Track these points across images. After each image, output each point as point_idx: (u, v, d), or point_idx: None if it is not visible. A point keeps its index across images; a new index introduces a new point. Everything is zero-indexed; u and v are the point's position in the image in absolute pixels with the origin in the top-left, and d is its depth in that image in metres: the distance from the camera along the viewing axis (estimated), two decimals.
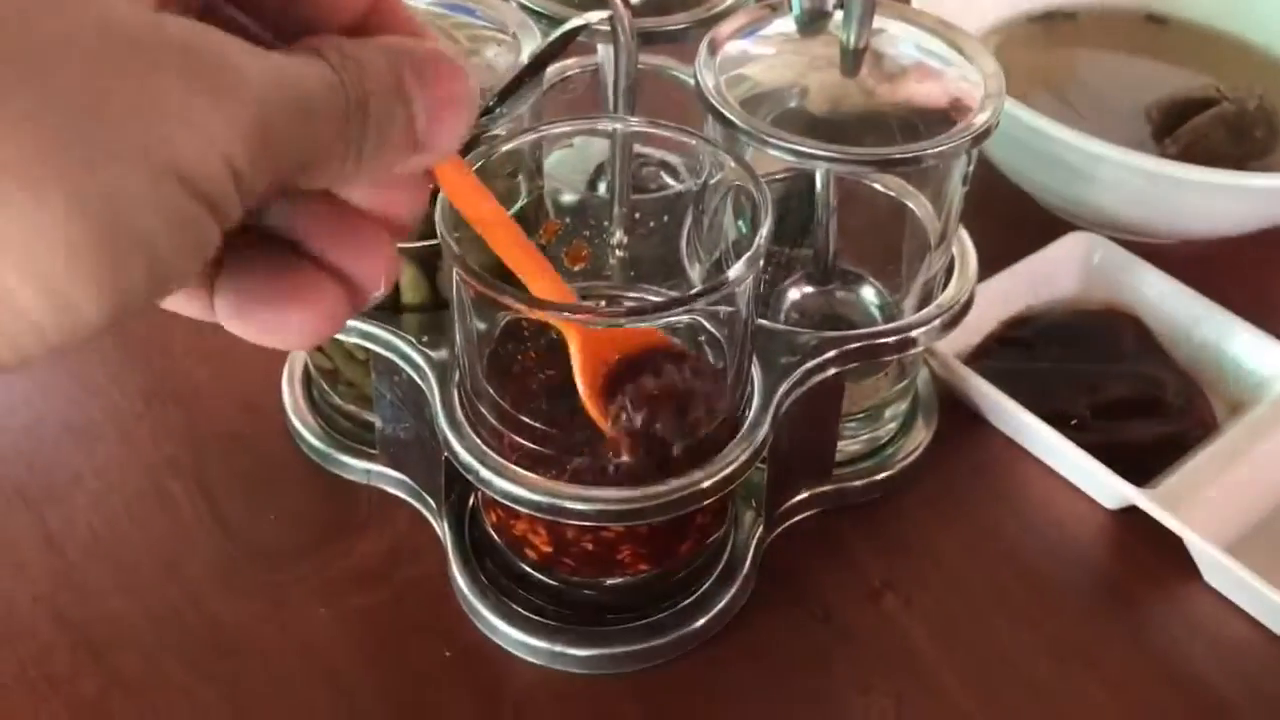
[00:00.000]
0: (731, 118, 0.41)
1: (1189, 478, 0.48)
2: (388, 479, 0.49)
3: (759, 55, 0.45)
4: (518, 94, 0.42)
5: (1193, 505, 0.47)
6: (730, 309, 0.39)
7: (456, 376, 0.42)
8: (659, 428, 0.38)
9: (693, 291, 0.36)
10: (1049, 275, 0.58)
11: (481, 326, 0.40)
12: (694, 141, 0.42)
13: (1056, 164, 0.58)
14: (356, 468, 0.50)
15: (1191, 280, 0.57)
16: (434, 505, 0.48)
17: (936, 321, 0.46)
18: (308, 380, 0.52)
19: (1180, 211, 0.59)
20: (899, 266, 0.48)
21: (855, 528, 0.50)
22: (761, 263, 0.38)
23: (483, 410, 0.40)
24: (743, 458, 0.41)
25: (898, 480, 0.51)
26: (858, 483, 0.50)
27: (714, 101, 0.42)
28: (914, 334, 0.46)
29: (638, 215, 0.48)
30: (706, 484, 0.40)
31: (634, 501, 0.39)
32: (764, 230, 0.38)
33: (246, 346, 0.54)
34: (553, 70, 0.53)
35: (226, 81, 0.22)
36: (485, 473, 0.40)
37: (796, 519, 0.49)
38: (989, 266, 0.57)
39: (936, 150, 0.41)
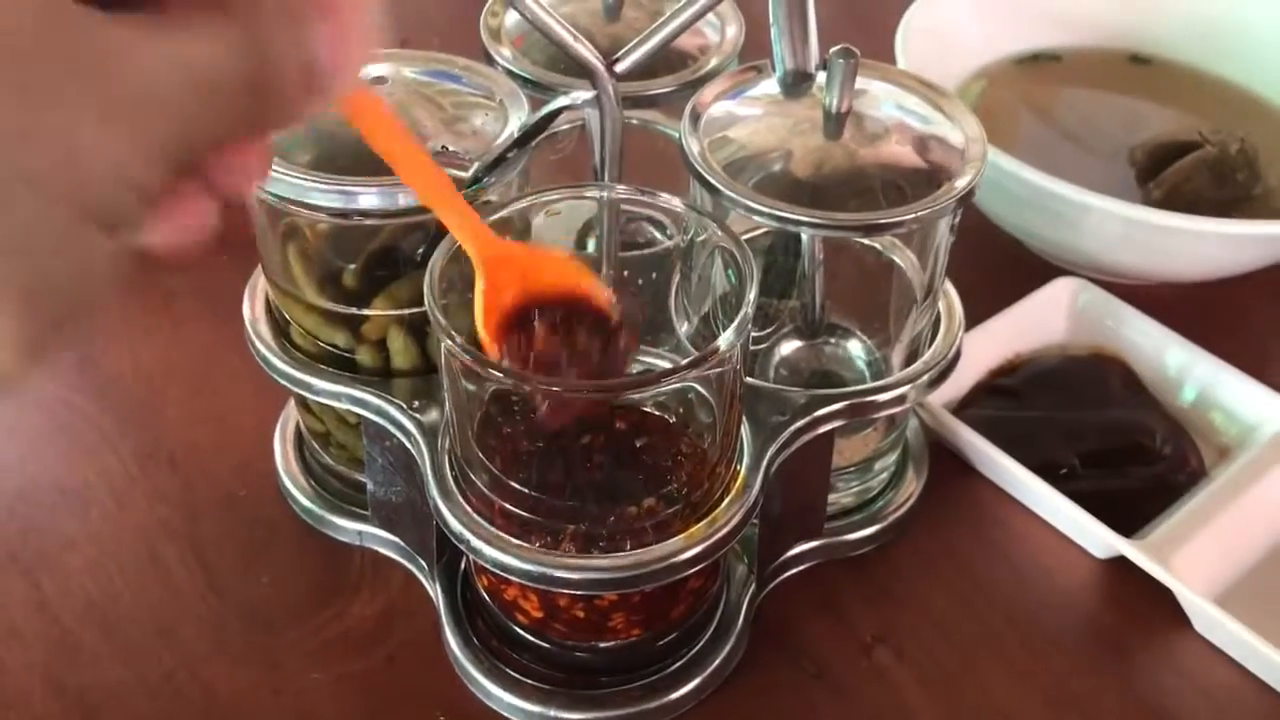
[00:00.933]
0: (716, 184, 0.42)
1: (1178, 527, 0.49)
2: (380, 540, 0.49)
3: (743, 118, 0.45)
4: (505, 163, 0.42)
5: (1182, 555, 0.48)
6: (720, 370, 0.40)
7: (447, 443, 0.42)
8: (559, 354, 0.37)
9: (682, 363, 0.37)
10: (1036, 322, 0.59)
11: (471, 392, 0.40)
12: (680, 209, 0.42)
13: (1042, 212, 0.59)
14: (349, 529, 0.50)
15: (1179, 324, 0.58)
16: (426, 566, 0.48)
17: (924, 378, 0.46)
18: (300, 442, 0.52)
19: (1166, 256, 0.59)
20: (886, 321, 0.49)
21: (847, 580, 0.50)
22: (750, 327, 0.39)
23: (473, 477, 0.41)
24: (734, 520, 0.41)
25: (889, 532, 0.51)
26: (849, 536, 0.50)
27: (699, 168, 0.42)
28: (902, 390, 0.46)
29: (625, 273, 0.49)
30: (698, 549, 0.40)
31: (625, 570, 0.39)
32: (750, 297, 0.38)
33: (241, 409, 0.55)
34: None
35: (121, 92, 0.21)
36: (476, 542, 0.40)
37: (789, 573, 0.50)
38: (978, 312, 0.57)
39: (917, 215, 0.41)
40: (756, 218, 0.42)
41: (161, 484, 0.53)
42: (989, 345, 0.57)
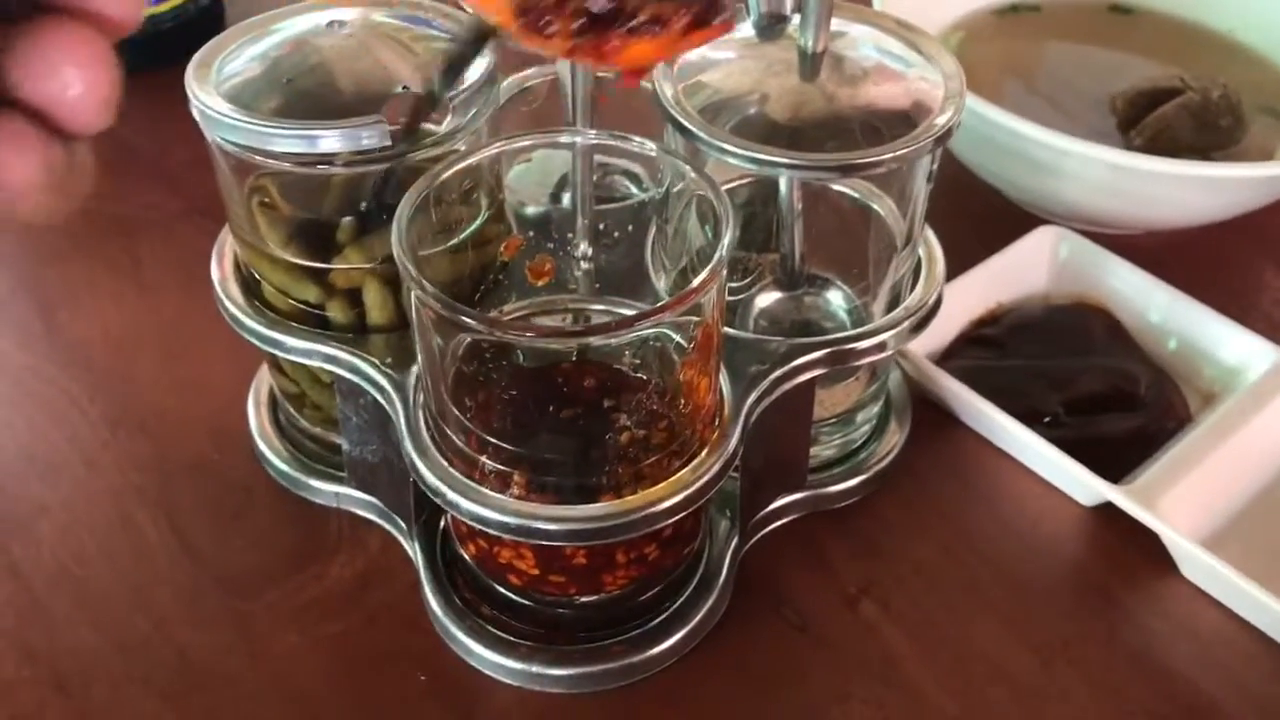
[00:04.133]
0: (690, 127, 0.41)
1: (1164, 472, 0.48)
2: (357, 501, 0.49)
3: (717, 62, 0.44)
4: (464, 99, 0.41)
5: (1168, 499, 0.47)
6: (696, 319, 0.39)
7: (421, 398, 0.41)
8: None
9: (654, 306, 0.36)
10: (1018, 271, 0.58)
11: (443, 346, 0.39)
12: (654, 153, 0.41)
13: (1023, 159, 0.58)
14: (325, 491, 0.49)
15: (1162, 271, 0.57)
16: (405, 527, 0.47)
17: (905, 324, 0.46)
18: (274, 404, 0.52)
19: (1148, 203, 0.59)
20: (866, 270, 0.48)
21: (831, 533, 0.49)
22: (725, 272, 0.38)
23: (449, 431, 0.40)
24: (714, 469, 0.40)
25: (873, 484, 0.50)
26: (833, 488, 0.50)
27: (672, 111, 0.42)
28: (883, 338, 0.45)
29: (602, 226, 0.48)
30: (677, 499, 0.39)
31: (604, 520, 0.39)
32: (725, 241, 0.37)
33: (212, 373, 0.54)
34: (511, 81, 0.52)
35: None
36: (452, 496, 0.39)
37: (772, 526, 0.49)
38: (960, 264, 0.57)
39: (897, 154, 0.41)
40: (731, 160, 0.41)
41: (133, 449, 0.52)
42: (971, 295, 0.57)
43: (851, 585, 0.48)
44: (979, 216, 0.64)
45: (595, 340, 0.38)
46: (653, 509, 0.39)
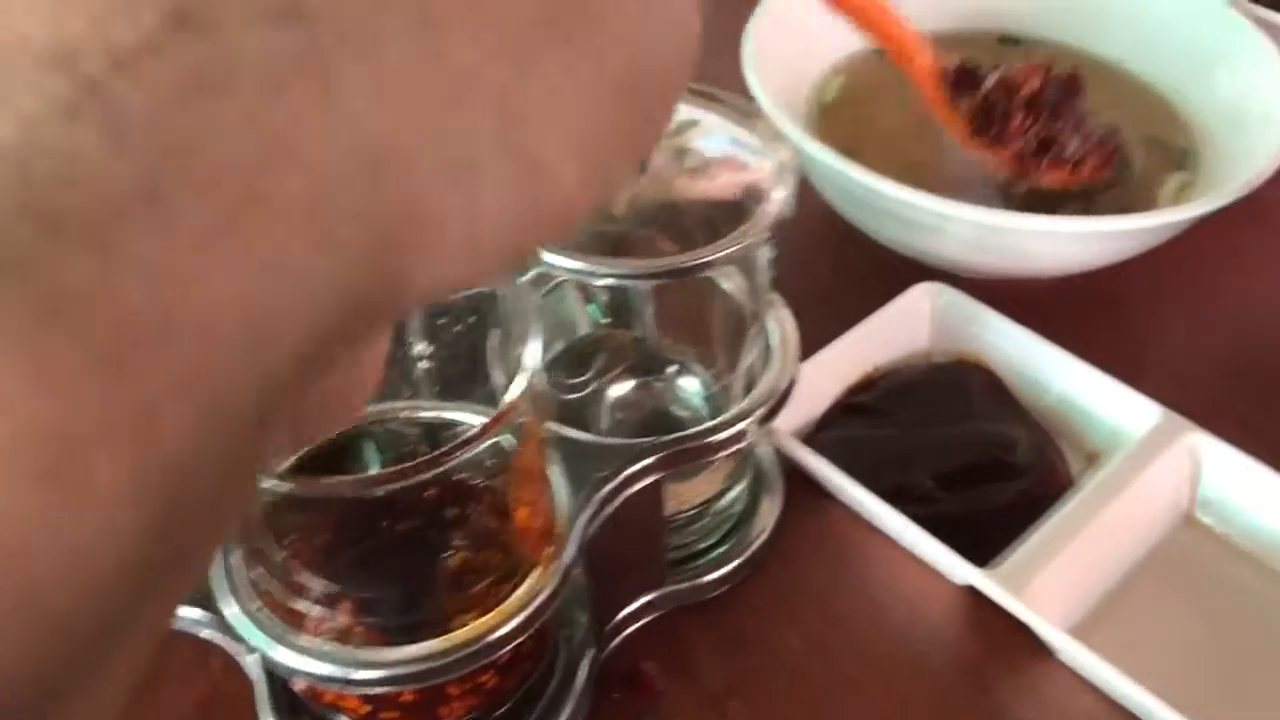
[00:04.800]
0: None
1: (1033, 552, 0.46)
2: (198, 624, 0.46)
3: None
4: None
5: (1038, 582, 0.46)
6: (513, 440, 0.37)
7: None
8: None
9: (445, 448, 0.34)
10: (898, 330, 0.56)
11: None
12: None
13: (901, 221, 0.56)
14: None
15: (1051, 320, 0.55)
16: (244, 651, 0.45)
17: (756, 414, 0.44)
18: None
19: (1029, 257, 0.57)
20: (720, 351, 0.46)
21: (698, 628, 0.47)
22: (532, 398, 0.36)
23: (260, 573, 0.38)
24: (547, 591, 0.38)
25: (743, 570, 0.49)
26: (699, 580, 0.48)
27: None
28: (734, 430, 0.43)
29: (441, 321, 0.46)
30: (508, 627, 0.37)
31: (431, 659, 0.37)
32: (531, 355, 0.35)
33: None
34: None
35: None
36: (264, 646, 0.37)
37: (634, 627, 0.47)
38: (847, 321, 0.55)
39: (726, 254, 0.39)
40: (551, 268, 0.39)
41: None
42: (848, 359, 0.55)
43: (718, 685, 0.46)
44: (864, 270, 0.62)
45: (378, 490, 0.35)
46: (483, 642, 0.37)
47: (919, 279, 0.58)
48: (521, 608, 0.38)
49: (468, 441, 0.34)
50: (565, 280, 0.47)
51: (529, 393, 0.35)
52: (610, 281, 0.40)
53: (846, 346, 0.55)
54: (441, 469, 0.34)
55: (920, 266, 0.60)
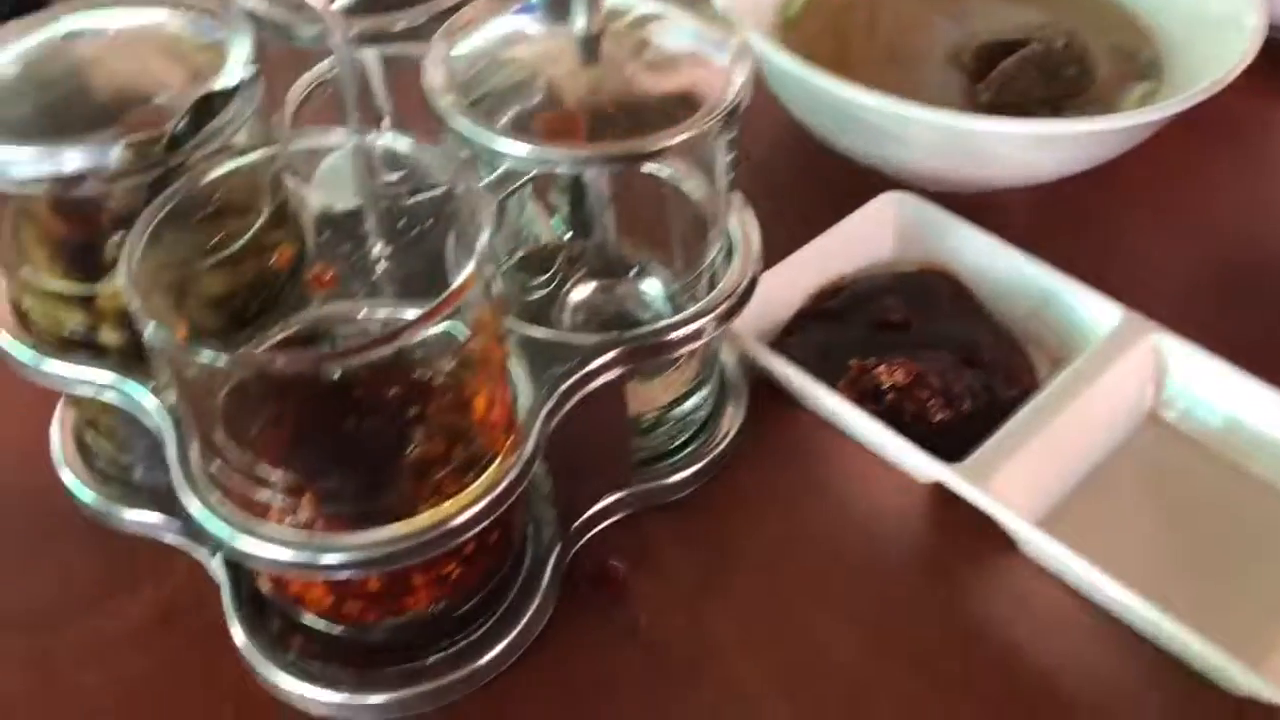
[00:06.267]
0: (458, 127, 0.39)
1: (998, 447, 0.47)
2: (161, 528, 0.46)
3: (497, 50, 0.42)
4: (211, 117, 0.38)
5: (1003, 475, 0.46)
6: (465, 328, 0.37)
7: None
8: None
9: (395, 328, 0.33)
10: (861, 240, 0.56)
11: (201, 379, 0.37)
12: (426, 157, 0.39)
13: (864, 127, 0.56)
14: (131, 520, 0.47)
15: (1015, 230, 0.55)
16: (208, 554, 0.45)
17: (717, 310, 0.44)
18: (78, 428, 0.49)
19: (997, 163, 0.57)
20: (679, 252, 0.46)
21: (664, 529, 0.48)
22: (488, 279, 0.36)
23: (219, 461, 0.37)
24: (507, 480, 0.38)
25: (707, 473, 0.49)
26: (664, 481, 0.48)
27: (440, 108, 0.39)
28: (694, 327, 0.43)
29: (401, 223, 0.45)
30: (469, 514, 0.37)
31: (394, 543, 0.37)
32: (481, 241, 0.35)
33: (16, 396, 0.51)
34: (309, 76, 0.50)
35: None
36: (225, 536, 0.37)
37: (601, 526, 0.47)
38: (811, 233, 0.55)
39: (680, 139, 0.38)
40: (507, 158, 0.39)
41: None
42: (811, 268, 0.55)
43: (685, 584, 0.46)
44: (830, 182, 0.62)
45: (343, 363, 0.35)
46: (444, 528, 0.37)
47: (884, 189, 0.58)
48: (484, 494, 0.38)
49: (419, 320, 0.34)
50: (524, 184, 0.47)
51: (480, 277, 0.35)
52: (566, 170, 0.40)
53: (811, 254, 0.55)
54: (391, 345, 0.34)
55: (884, 178, 0.60)
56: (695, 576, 0.46)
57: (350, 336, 0.42)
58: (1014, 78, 0.59)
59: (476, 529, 0.38)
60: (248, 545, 0.37)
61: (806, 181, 0.63)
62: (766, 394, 0.51)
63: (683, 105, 0.41)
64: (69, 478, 0.48)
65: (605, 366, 0.42)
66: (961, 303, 0.54)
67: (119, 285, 0.39)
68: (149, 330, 0.33)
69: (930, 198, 0.57)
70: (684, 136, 0.38)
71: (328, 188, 0.47)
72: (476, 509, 0.38)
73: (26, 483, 0.49)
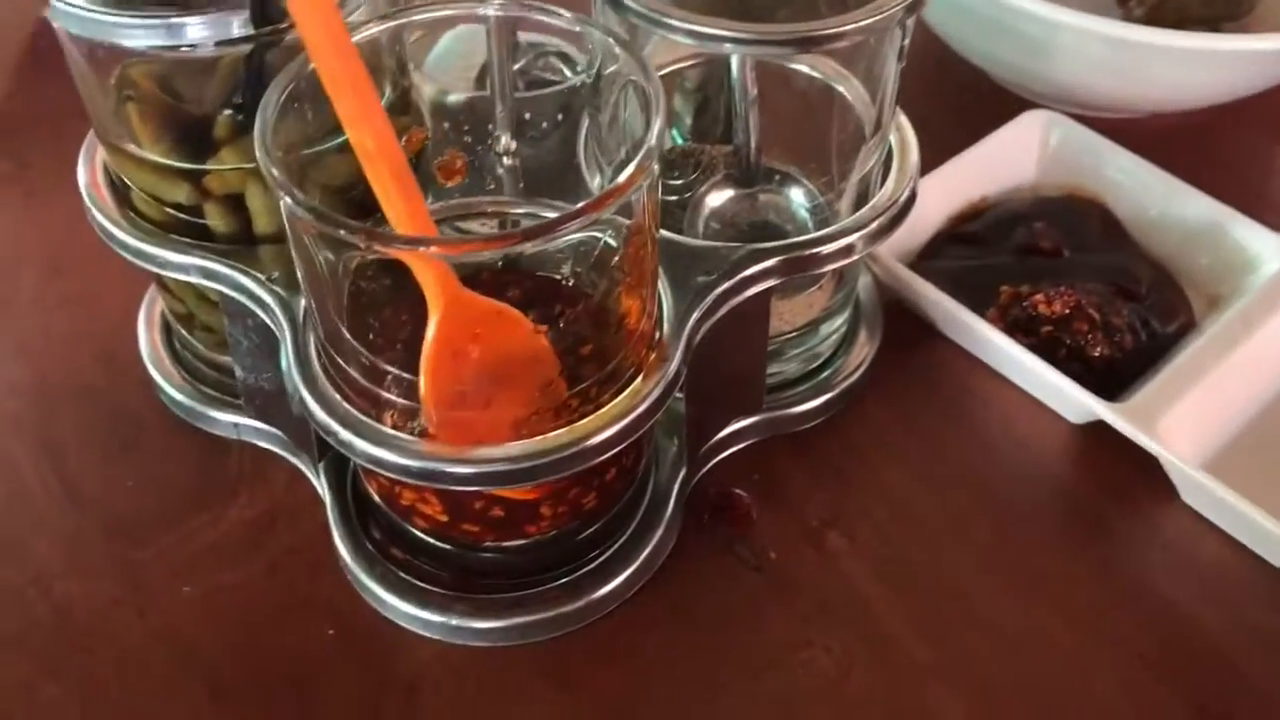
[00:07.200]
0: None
1: (1163, 388, 0.43)
2: (259, 433, 0.43)
3: None
4: None
5: (1168, 419, 0.42)
6: (627, 221, 0.33)
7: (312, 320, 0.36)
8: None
9: (569, 211, 0.30)
10: (1003, 161, 0.52)
11: (332, 261, 0.34)
12: (579, 28, 0.35)
13: (1010, 34, 0.52)
14: (224, 422, 0.44)
15: (1162, 159, 0.51)
16: (311, 462, 0.42)
17: (874, 225, 0.40)
18: (167, 326, 0.46)
19: (1149, 82, 0.53)
20: (830, 163, 0.42)
21: (792, 459, 0.44)
22: (657, 168, 0.32)
23: (341, 360, 0.34)
24: (652, 398, 0.35)
25: (838, 403, 0.45)
26: (794, 409, 0.45)
27: None
28: (849, 240, 0.40)
29: (528, 116, 0.42)
30: (609, 433, 0.34)
31: (522, 460, 0.33)
32: (654, 130, 0.31)
33: (101, 290, 0.49)
34: None
35: None
36: (347, 435, 0.34)
37: (725, 453, 0.44)
38: (938, 153, 0.51)
39: (860, 25, 0.34)
40: (671, 35, 0.35)
41: (10, 375, 0.46)
42: (951, 189, 0.51)
43: (814, 518, 0.43)
44: (959, 99, 0.58)
45: (504, 250, 0.32)
46: (584, 444, 0.34)
47: (1018, 110, 0.53)
48: (626, 411, 0.34)
49: (579, 212, 0.30)
50: (625, 83, 0.43)
51: (649, 172, 0.31)
52: (738, 49, 0.36)
53: (949, 174, 0.51)
54: (549, 236, 0.30)
55: (1019, 100, 0.56)
56: (824, 509, 0.43)
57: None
58: None
59: (615, 449, 0.35)
60: (371, 450, 0.33)
61: (938, 100, 0.58)
62: (901, 321, 0.48)
63: None
64: (158, 377, 0.45)
65: (756, 277, 0.38)
66: (1111, 232, 0.50)
67: (231, 161, 0.36)
68: (288, 202, 0.30)
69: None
70: (868, 21, 0.34)
71: (437, 75, 0.44)
72: (617, 428, 0.34)
73: (113, 383, 0.46)
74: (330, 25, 0.29)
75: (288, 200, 0.30)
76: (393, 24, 0.36)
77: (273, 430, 0.43)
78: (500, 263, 0.37)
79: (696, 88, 0.45)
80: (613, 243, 0.34)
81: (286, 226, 0.32)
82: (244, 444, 0.44)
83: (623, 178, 0.30)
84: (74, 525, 0.42)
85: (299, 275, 0.34)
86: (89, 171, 0.41)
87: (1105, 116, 0.54)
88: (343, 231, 0.30)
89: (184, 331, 0.44)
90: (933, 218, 0.50)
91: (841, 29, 0.34)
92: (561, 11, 0.35)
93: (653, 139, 0.31)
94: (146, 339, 0.46)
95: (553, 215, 0.39)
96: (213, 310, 0.41)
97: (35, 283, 0.50)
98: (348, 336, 0.34)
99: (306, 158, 0.35)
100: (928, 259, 0.49)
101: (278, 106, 0.32)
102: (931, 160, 0.51)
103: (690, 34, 0.35)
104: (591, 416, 0.34)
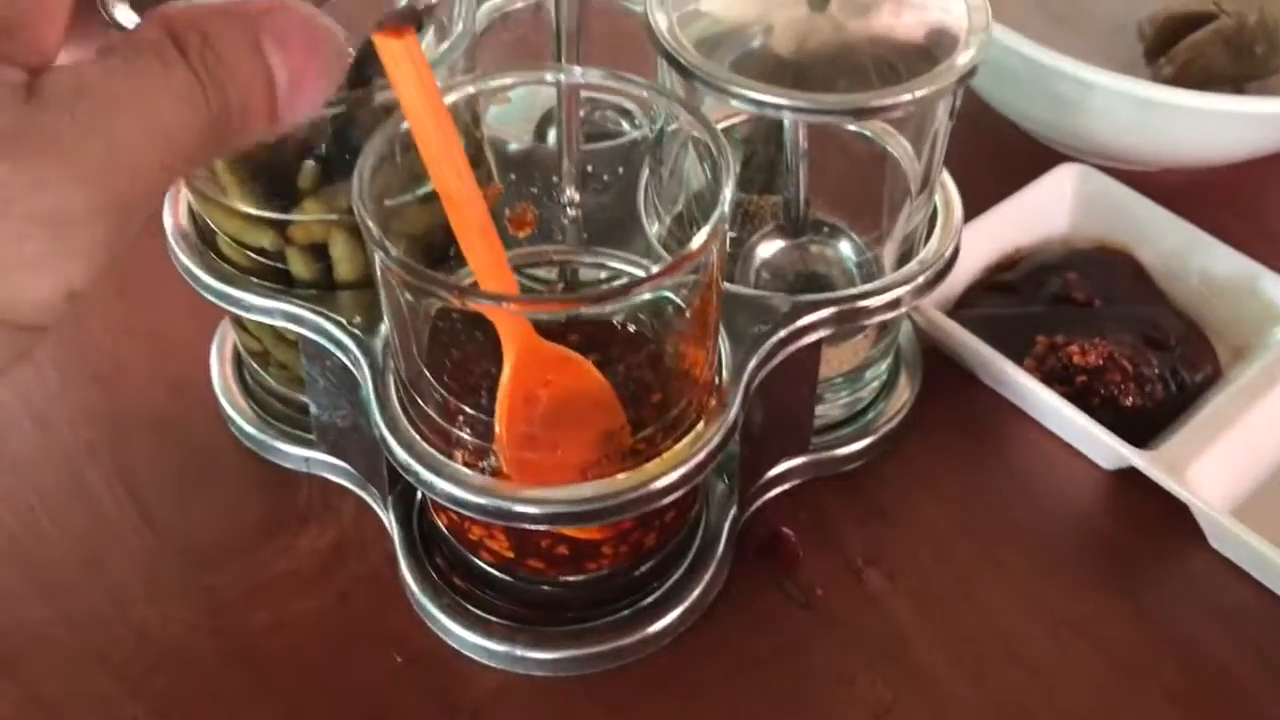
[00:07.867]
0: (685, 63, 0.37)
1: (1192, 434, 0.45)
2: (328, 467, 0.45)
3: None
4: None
5: (1197, 465, 0.44)
6: (695, 278, 0.35)
7: (391, 362, 0.38)
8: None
9: (653, 271, 0.32)
10: (1037, 212, 0.54)
11: (413, 304, 0.35)
12: (646, 93, 0.37)
13: (1043, 92, 0.54)
14: (294, 455, 0.46)
15: (1191, 212, 0.53)
16: (379, 495, 0.44)
17: (920, 279, 0.42)
18: (239, 359, 0.48)
19: (1178, 139, 0.55)
20: (878, 216, 0.44)
21: (837, 499, 0.46)
22: (726, 228, 0.34)
23: (421, 401, 0.36)
24: (714, 442, 0.37)
25: (881, 445, 0.47)
26: (838, 451, 0.46)
27: (666, 45, 0.37)
28: (896, 294, 0.42)
29: (590, 168, 0.44)
30: (673, 476, 0.36)
31: (592, 502, 0.35)
32: (727, 194, 0.33)
33: (175, 321, 0.51)
34: (491, 6, 0.48)
35: (65, 214, 0.21)
36: (425, 474, 0.36)
37: (773, 493, 0.46)
38: (973, 204, 0.53)
39: (915, 97, 0.37)
40: (733, 101, 0.37)
41: (87, 403, 0.48)
42: (986, 239, 0.53)
43: (858, 556, 0.44)
44: (994, 152, 0.60)
45: (582, 310, 0.34)
46: (648, 487, 0.36)
47: (1051, 163, 0.56)
48: (688, 457, 0.36)
49: (659, 276, 0.32)
50: (685, 137, 0.45)
51: (722, 233, 0.33)
52: (791, 116, 0.38)
53: (985, 225, 0.53)
54: (626, 300, 0.32)
55: (1050, 152, 0.58)
56: (867, 548, 0.45)
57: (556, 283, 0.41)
58: (1203, 52, 0.57)
59: (679, 493, 0.37)
60: (449, 489, 0.35)
61: (974, 153, 0.60)
62: (940, 365, 0.50)
63: (903, 56, 0.39)
64: (231, 411, 0.47)
65: (809, 327, 0.40)
66: (1141, 282, 0.52)
67: (314, 212, 0.38)
68: (381, 256, 0.32)
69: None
70: (923, 93, 0.36)
71: (497, 126, 0.46)
72: (681, 472, 0.36)
73: (185, 414, 0.48)
74: (426, 89, 0.31)
75: (381, 255, 0.32)
76: (471, 89, 0.38)
77: (342, 464, 0.45)
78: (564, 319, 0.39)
79: (744, 139, 0.47)
80: (677, 300, 0.36)
81: (378, 275, 0.34)
82: (313, 477, 0.46)
83: (696, 243, 0.32)
84: (151, 551, 0.44)
85: (385, 318, 0.36)
86: (173, 214, 0.43)
87: (1136, 169, 0.56)
88: (435, 287, 0.32)
89: (257, 367, 0.46)
90: (969, 267, 0.52)
91: (897, 100, 0.36)
92: (634, 78, 0.37)
93: (725, 204, 0.33)
94: (219, 372, 0.48)
95: (615, 264, 0.41)
96: (289, 349, 0.43)
97: (108, 311, 0.51)
98: (427, 375, 0.36)
99: (389, 209, 0.37)
100: (964, 307, 0.51)
101: (375, 163, 0.34)
102: (968, 211, 0.53)
103: (754, 103, 0.37)
104: (656, 460, 0.36)
